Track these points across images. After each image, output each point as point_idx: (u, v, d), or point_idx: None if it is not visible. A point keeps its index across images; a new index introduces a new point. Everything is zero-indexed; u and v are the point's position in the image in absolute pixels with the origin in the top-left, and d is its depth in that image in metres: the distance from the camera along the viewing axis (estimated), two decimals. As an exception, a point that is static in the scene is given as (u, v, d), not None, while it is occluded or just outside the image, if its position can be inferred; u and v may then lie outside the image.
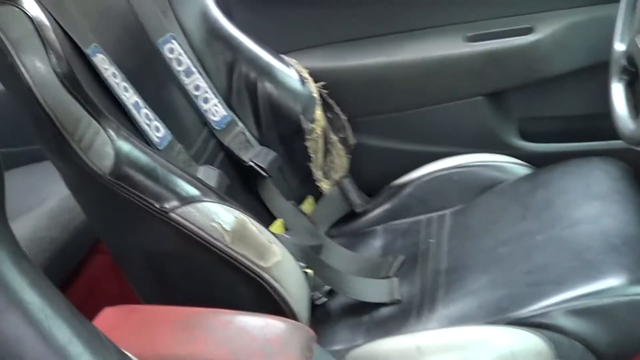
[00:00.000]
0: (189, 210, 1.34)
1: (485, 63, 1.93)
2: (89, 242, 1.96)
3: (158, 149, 1.54)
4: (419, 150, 2.04)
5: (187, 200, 1.34)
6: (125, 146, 1.34)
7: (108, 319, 1.24)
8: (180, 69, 1.73)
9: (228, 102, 1.82)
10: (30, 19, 1.32)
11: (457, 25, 1.98)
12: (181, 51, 1.73)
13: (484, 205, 1.79)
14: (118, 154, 1.32)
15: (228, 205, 1.38)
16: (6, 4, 1.32)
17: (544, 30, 1.89)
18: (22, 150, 2.20)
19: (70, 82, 1.31)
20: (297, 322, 1.19)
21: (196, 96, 1.75)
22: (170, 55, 1.72)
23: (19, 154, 2.26)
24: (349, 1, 2.04)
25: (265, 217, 1.78)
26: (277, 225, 1.77)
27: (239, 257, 1.34)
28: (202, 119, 1.76)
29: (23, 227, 1.90)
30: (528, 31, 1.90)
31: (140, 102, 1.54)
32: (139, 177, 1.33)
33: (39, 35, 1.31)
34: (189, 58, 1.75)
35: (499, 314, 1.45)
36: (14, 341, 0.89)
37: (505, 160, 1.91)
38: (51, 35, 1.33)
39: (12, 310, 0.90)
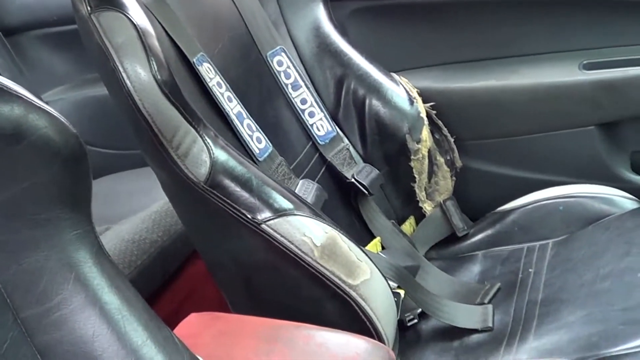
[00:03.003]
0: (281, 222, 1.35)
1: (600, 92, 1.88)
2: (189, 247, 1.98)
3: (258, 160, 1.56)
4: (526, 177, 2.01)
5: (279, 212, 1.36)
6: (222, 155, 1.36)
7: (192, 325, 1.26)
8: (287, 82, 1.75)
9: (334, 118, 1.83)
10: (134, 25, 1.36)
11: (573, 52, 1.94)
12: (290, 64, 1.76)
13: (587, 238, 1.75)
14: (214, 162, 1.35)
15: (320, 220, 1.38)
16: (112, 10, 1.36)
17: (664, 62, 1.84)
18: (132, 154, 2.24)
19: (170, 89, 1.34)
20: (378, 343, 1.19)
21: (302, 110, 1.76)
22: (279, 68, 1.74)
23: (128, 156, 2.31)
24: (465, 24, 2.03)
25: (364, 235, 1.78)
26: (374, 244, 1.76)
27: (327, 273, 1.35)
28: (307, 133, 1.77)
29: (126, 228, 1.94)
30: (647, 61, 1.85)
31: (244, 113, 1.57)
32: (234, 187, 1.35)
33: (142, 41, 1.35)
34: (298, 71, 1.77)
35: (590, 350, 1.41)
36: (90, 338, 0.91)
37: (613, 193, 1.86)
38: (154, 42, 1.36)
39: (90, 309, 0.92)
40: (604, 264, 1.63)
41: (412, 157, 1.85)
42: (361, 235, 1.76)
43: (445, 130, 1.96)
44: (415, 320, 1.65)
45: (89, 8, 1.36)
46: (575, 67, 1.91)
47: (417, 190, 1.88)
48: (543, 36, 1.97)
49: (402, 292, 1.61)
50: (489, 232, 1.92)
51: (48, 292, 0.92)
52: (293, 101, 1.76)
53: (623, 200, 1.85)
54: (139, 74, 1.31)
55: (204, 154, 1.34)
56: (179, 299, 1.95)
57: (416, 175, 1.87)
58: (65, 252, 0.94)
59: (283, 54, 1.75)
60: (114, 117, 1.86)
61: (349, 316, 1.37)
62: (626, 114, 1.91)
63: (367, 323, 1.38)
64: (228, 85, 1.56)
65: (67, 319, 0.91)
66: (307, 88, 1.78)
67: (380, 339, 1.39)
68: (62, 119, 0.97)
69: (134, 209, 2.05)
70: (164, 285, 1.96)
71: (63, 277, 0.92)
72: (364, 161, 1.84)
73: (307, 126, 1.77)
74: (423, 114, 1.87)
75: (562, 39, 1.96)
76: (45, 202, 0.93)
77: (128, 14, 1.36)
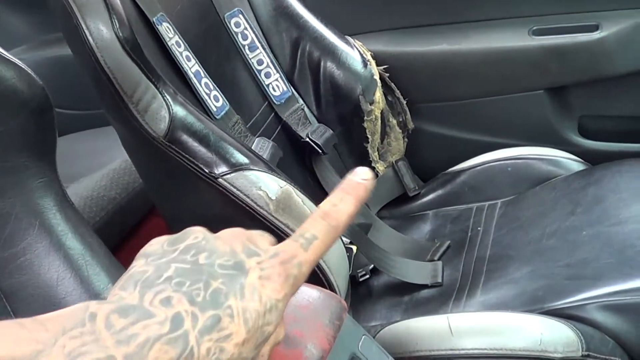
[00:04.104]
0: (237, 176, 1.38)
1: (548, 57, 1.93)
2: (147, 205, 2.01)
3: (215, 118, 1.59)
4: (476, 140, 2.06)
5: (235, 167, 1.38)
6: (181, 111, 1.39)
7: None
8: (244, 43, 1.77)
9: (290, 79, 1.86)
10: None
11: (523, 19, 1.98)
12: (247, 26, 1.78)
13: (535, 197, 1.80)
14: (173, 118, 1.37)
15: (275, 175, 1.41)
16: None
17: (610, 29, 1.87)
18: (91, 114, 2.26)
19: (131, 46, 1.36)
20: (330, 292, 1.21)
21: (259, 70, 1.79)
22: (236, 29, 1.77)
23: (87, 117, 2.32)
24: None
25: (318, 193, 1.82)
26: (327, 201, 1.79)
27: (282, 226, 1.38)
28: (263, 93, 1.80)
29: (84, 186, 1.96)
30: (594, 28, 1.89)
31: (202, 72, 1.59)
32: (192, 142, 1.38)
33: (104, 0, 1.36)
34: (255, 33, 1.79)
35: (535, 304, 1.46)
36: (54, 282, 0.94)
37: (560, 155, 1.91)
38: (116, 1, 1.38)
39: (55, 254, 0.95)
40: (550, 223, 1.68)
41: (365, 118, 1.88)
42: (315, 193, 1.79)
43: (397, 93, 2.00)
44: (367, 276, 1.70)
45: (52, -33, 1.38)
46: (525, 33, 1.95)
47: (369, 151, 1.92)
48: (494, 2, 2.00)
49: (354, 248, 1.65)
50: (439, 192, 1.97)
51: (14, 237, 0.94)
52: (250, 62, 1.79)
53: (569, 162, 1.89)
54: (101, 31, 1.33)
55: (163, 110, 1.37)
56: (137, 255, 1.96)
57: (369, 136, 1.91)
58: (30, 199, 0.96)
59: (240, 15, 1.78)
60: (73, 78, 1.87)
61: (303, 268, 1.40)
62: (573, 79, 1.96)
63: (320, 275, 1.42)
64: (187, 45, 1.58)
65: (32, 264, 0.94)
66: (264, 49, 1.81)
67: (332, 291, 1.42)
68: (30, 71, 1.00)
69: (92, 168, 2.07)
70: (122, 242, 1.98)
71: (28, 223, 0.95)
72: (319, 121, 1.88)
73: (263, 86, 1.80)
74: (376, 76, 1.91)
75: (513, 6, 1.99)
76: (12, 151, 0.96)
77: None
